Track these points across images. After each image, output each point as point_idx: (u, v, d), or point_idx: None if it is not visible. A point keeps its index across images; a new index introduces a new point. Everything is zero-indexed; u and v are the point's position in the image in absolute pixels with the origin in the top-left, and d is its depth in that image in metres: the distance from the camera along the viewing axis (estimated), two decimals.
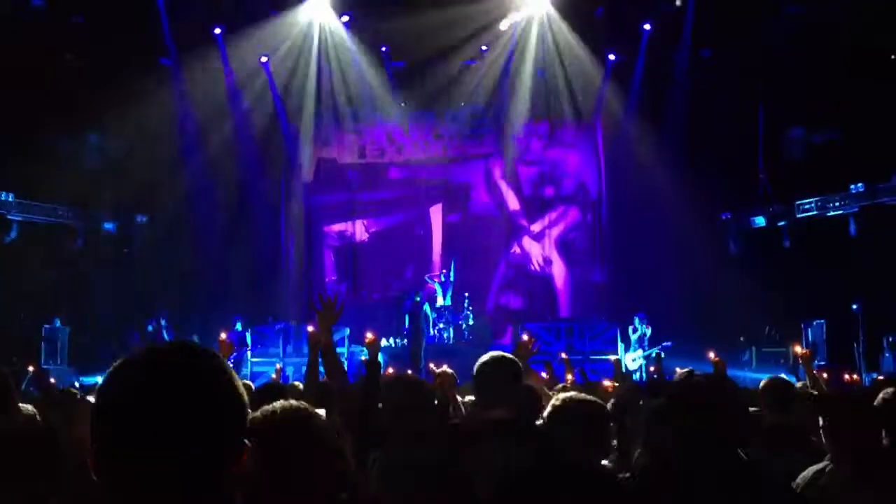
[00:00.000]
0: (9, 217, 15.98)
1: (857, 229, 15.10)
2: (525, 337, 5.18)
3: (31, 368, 11.17)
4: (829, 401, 3.81)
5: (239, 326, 16.27)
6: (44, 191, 16.32)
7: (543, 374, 8.18)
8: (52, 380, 10.09)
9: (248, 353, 15.95)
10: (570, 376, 7.85)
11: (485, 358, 4.07)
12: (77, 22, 15.91)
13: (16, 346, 14.74)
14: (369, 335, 5.17)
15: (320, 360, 4.88)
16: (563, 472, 3.26)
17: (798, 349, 6.93)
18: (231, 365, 1.51)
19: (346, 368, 5.08)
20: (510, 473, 2.62)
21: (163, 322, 16.24)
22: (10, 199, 15.96)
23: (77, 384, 11.70)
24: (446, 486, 2.75)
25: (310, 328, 5.28)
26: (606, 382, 6.86)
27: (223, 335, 7.43)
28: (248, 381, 8.96)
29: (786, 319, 15.76)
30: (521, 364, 4.24)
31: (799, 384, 6.27)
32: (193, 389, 1.39)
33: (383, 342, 16.89)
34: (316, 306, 4.83)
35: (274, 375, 10.93)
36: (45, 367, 14.95)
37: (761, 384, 5.02)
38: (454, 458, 3.39)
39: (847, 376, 8.77)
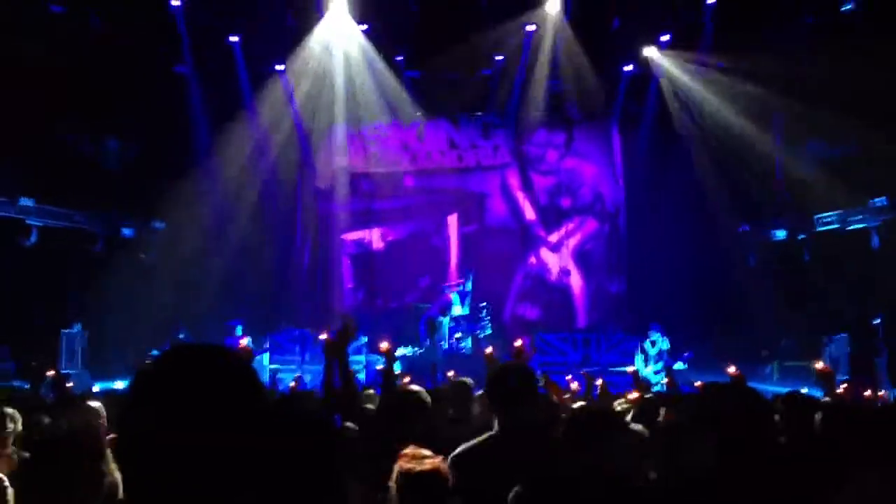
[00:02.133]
0: (28, 222, 16.06)
1: (880, 242, 14.97)
2: (518, 343, 5.16)
3: (50, 373, 11.21)
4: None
5: (239, 331, 16.21)
6: (63, 196, 16.40)
7: (574, 385, 8.14)
8: (70, 384, 10.11)
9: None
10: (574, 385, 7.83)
11: (502, 366, 4.10)
12: (96, 28, 16.00)
13: (35, 351, 14.81)
14: (384, 344, 5.20)
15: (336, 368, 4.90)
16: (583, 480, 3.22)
17: (819, 365, 6.82)
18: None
19: (357, 377, 5.12)
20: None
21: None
22: (30, 204, 16.05)
23: (94, 388, 11.73)
24: None
25: (323, 335, 5.27)
26: (632, 395, 6.76)
27: (243, 342, 7.46)
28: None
29: (807, 333, 15.66)
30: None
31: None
32: (224, 386, 1.40)
33: (399, 351, 16.88)
34: (330, 335, 4.87)
35: (292, 384, 10.95)
36: (64, 371, 15.01)
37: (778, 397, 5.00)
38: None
39: (868, 392, 8.65)
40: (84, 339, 16.09)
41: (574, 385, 8.76)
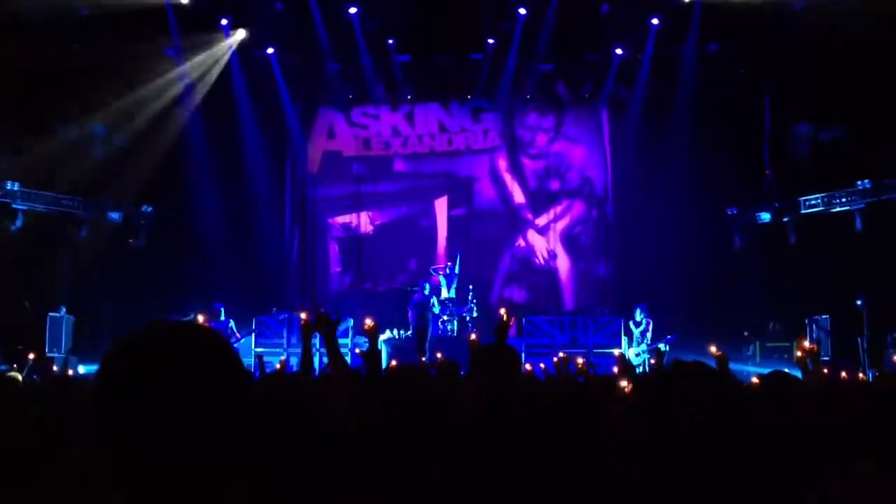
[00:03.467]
0: (14, 206, 16.04)
1: (863, 225, 15.07)
2: (503, 311, 5.15)
3: (31, 356, 11.23)
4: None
5: (223, 314, 16.20)
6: (49, 180, 16.37)
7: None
8: (55, 368, 10.15)
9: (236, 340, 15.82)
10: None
11: (485, 347, 4.16)
12: (83, 11, 15.91)
13: (21, 335, 14.82)
14: (368, 321, 5.12)
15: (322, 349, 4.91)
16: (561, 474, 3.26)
17: (806, 344, 6.90)
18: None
19: (346, 359, 5.08)
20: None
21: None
22: (15, 188, 16.01)
23: (71, 371, 11.73)
24: None
25: (303, 315, 5.23)
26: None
27: (201, 317, 7.41)
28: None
29: (790, 315, 15.78)
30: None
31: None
32: (197, 366, 1.39)
33: (387, 334, 16.94)
34: (309, 320, 4.86)
35: (278, 366, 11.01)
36: (49, 355, 15.02)
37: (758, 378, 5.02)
38: None
39: (844, 374, 8.71)
40: (70, 323, 16.09)
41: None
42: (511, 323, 5.12)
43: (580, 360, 7.93)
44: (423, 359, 13.88)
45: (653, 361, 9.86)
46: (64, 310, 16.00)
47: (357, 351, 12.41)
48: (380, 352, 5.32)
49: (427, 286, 16.71)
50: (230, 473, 1.41)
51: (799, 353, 6.93)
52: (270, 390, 2.55)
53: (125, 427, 1.35)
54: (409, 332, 16.64)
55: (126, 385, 1.36)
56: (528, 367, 8.82)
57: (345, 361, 4.67)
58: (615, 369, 7.59)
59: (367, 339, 5.25)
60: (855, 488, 3.14)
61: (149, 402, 1.34)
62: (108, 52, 15.88)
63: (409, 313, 16.41)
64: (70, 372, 10.49)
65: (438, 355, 9.79)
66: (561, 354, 8.52)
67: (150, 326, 1.45)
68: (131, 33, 16.08)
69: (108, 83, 16.34)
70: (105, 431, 1.37)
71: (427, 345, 15.85)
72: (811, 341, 13.35)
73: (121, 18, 15.64)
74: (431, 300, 16.64)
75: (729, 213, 17.65)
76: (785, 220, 16.61)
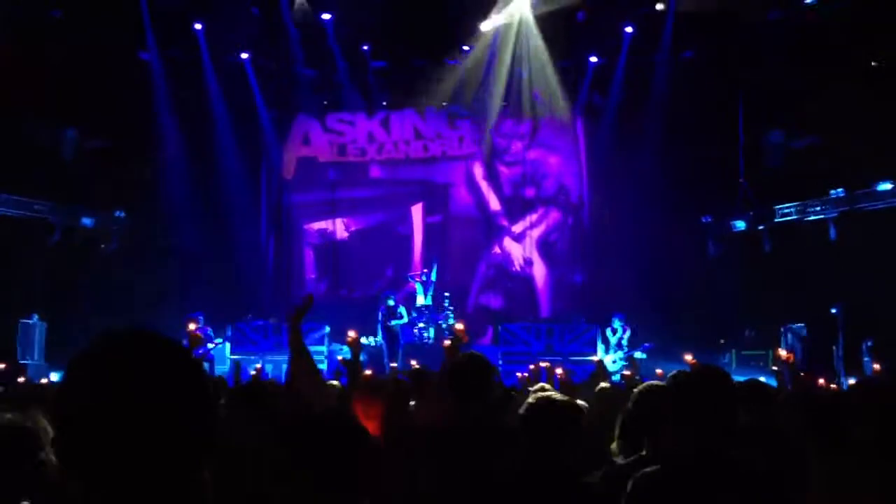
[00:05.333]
0: None
1: (837, 234, 15.19)
2: (460, 326, 5.13)
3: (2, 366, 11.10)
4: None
5: (201, 322, 16.02)
6: (20, 185, 16.17)
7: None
8: (21, 379, 10.01)
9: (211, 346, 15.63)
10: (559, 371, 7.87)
11: (461, 357, 4.17)
12: (55, 15, 15.77)
13: None
14: (351, 333, 5.11)
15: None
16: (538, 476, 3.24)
17: (782, 353, 6.93)
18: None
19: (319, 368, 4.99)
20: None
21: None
22: None
23: (44, 380, 11.57)
24: None
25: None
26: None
27: (192, 326, 7.38)
28: (221, 376, 8.91)
29: (765, 323, 15.87)
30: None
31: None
32: (155, 378, 1.37)
33: (363, 340, 16.86)
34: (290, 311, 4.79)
35: (253, 373, 10.96)
36: (22, 362, 14.82)
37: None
38: None
39: (821, 381, 8.77)
40: (43, 330, 15.89)
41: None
42: (465, 340, 5.06)
43: (559, 371, 7.93)
44: (394, 365, 13.86)
45: (627, 372, 9.84)
46: (36, 317, 15.82)
47: (339, 358, 12.36)
48: (362, 363, 5.26)
49: (391, 298, 16.72)
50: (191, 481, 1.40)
51: (775, 366, 6.96)
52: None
53: (83, 435, 1.34)
54: (382, 341, 16.63)
55: (86, 392, 1.36)
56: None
57: (310, 357, 4.52)
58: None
59: (347, 348, 5.21)
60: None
61: (108, 409, 1.34)
62: (81, 54, 15.74)
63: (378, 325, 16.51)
64: (44, 380, 10.33)
65: (413, 362, 9.75)
66: (543, 364, 8.53)
67: (111, 333, 1.45)
68: (104, 35, 15.97)
69: (82, 86, 16.14)
70: (64, 440, 1.36)
71: (399, 350, 15.86)
72: (787, 350, 13.43)
73: (93, 20, 15.53)
74: (399, 309, 16.63)
75: (703, 220, 17.74)
76: (759, 228, 16.70)
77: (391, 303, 16.59)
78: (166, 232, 17.91)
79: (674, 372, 3.44)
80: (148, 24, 16.70)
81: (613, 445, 4.42)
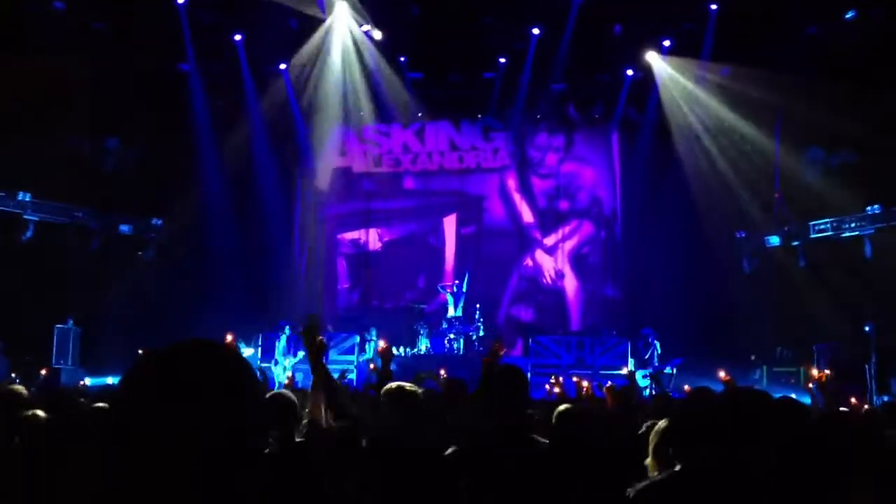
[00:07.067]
0: (25, 217, 16.11)
1: (873, 251, 15.01)
2: (496, 343, 5.19)
3: (43, 372, 11.27)
4: None
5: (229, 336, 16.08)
6: (61, 192, 16.45)
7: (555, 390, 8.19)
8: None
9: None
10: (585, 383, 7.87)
11: (501, 368, 4.25)
12: (98, 28, 16.06)
13: (29, 345, 14.85)
14: (382, 343, 5.19)
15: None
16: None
17: (815, 372, 6.86)
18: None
19: (349, 378, 5.09)
20: None
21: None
22: (27, 198, 16.09)
23: (81, 383, 11.75)
24: None
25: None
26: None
27: (229, 336, 7.46)
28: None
29: (798, 340, 15.69)
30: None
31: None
32: (218, 380, 1.40)
33: (393, 351, 16.91)
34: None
35: (286, 382, 11.05)
36: (56, 366, 15.05)
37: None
38: None
39: (853, 399, 8.67)
40: (77, 335, 16.10)
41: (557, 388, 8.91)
42: (501, 354, 5.12)
43: (585, 383, 7.95)
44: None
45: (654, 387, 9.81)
46: (71, 321, 16.03)
47: (371, 366, 12.43)
48: (392, 372, 5.33)
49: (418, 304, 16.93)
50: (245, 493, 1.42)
51: (808, 384, 6.88)
52: None
53: (142, 440, 1.35)
54: (416, 350, 16.70)
55: (148, 398, 1.38)
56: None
57: (329, 376, 4.61)
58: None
59: (378, 358, 5.30)
60: None
61: (168, 417, 1.35)
62: (122, 65, 16.01)
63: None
64: (81, 384, 10.51)
65: (442, 372, 9.80)
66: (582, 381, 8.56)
67: (178, 344, 1.46)
68: (144, 46, 16.23)
69: (122, 97, 16.41)
70: (122, 442, 1.37)
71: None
72: (819, 368, 13.27)
73: (134, 32, 15.79)
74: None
75: (738, 236, 17.59)
76: (794, 244, 16.55)
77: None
78: (202, 240, 18.09)
79: (696, 388, 3.45)
80: (188, 36, 16.92)
81: (648, 461, 4.43)
